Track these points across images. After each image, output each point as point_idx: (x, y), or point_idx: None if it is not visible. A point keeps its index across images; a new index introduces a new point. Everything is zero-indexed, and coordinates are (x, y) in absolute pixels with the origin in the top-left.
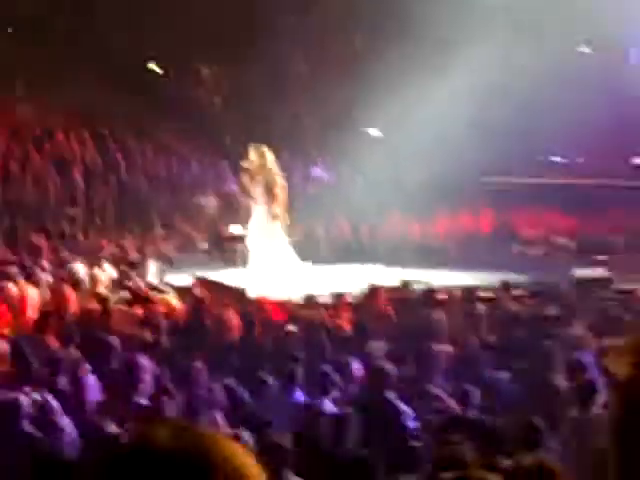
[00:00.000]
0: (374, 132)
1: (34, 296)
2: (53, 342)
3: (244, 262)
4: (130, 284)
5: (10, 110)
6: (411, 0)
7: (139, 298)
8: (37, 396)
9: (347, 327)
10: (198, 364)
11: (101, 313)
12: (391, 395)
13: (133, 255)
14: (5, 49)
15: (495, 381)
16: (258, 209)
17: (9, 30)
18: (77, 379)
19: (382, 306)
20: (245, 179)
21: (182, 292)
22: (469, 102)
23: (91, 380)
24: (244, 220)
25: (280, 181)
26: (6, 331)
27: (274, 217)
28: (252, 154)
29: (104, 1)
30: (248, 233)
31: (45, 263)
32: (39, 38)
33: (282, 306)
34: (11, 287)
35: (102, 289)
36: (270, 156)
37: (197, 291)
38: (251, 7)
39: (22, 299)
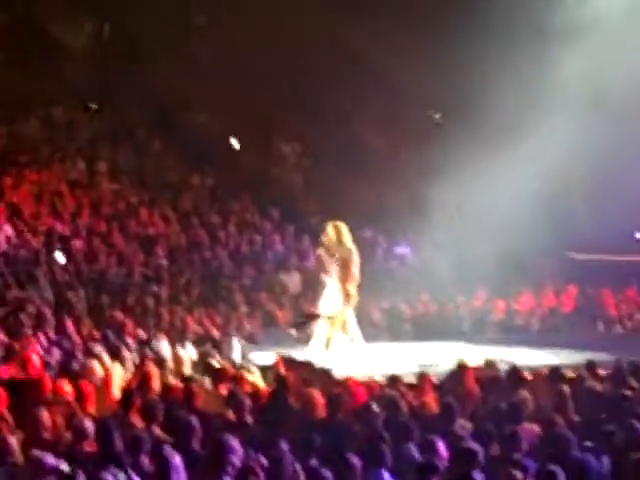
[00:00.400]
0: (455, 209)
1: (119, 374)
2: (137, 421)
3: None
4: (214, 363)
5: (94, 186)
6: None
7: (224, 377)
8: (122, 476)
9: (432, 406)
10: (283, 445)
11: (184, 392)
12: (478, 476)
13: (217, 333)
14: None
15: (582, 461)
16: (331, 286)
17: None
18: (162, 459)
19: (469, 385)
20: (322, 254)
21: (266, 371)
22: (554, 174)
23: (177, 460)
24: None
25: (355, 259)
26: (92, 410)
27: (347, 296)
28: (330, 229)
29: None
30: (322, 310)
31: (130, 341)
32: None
33: (366, 386)
34: (96, 365)
35: (185, 368)
36: (346, 232)
37: (281, 370)
38: (332, 85)
39: (107, 377)
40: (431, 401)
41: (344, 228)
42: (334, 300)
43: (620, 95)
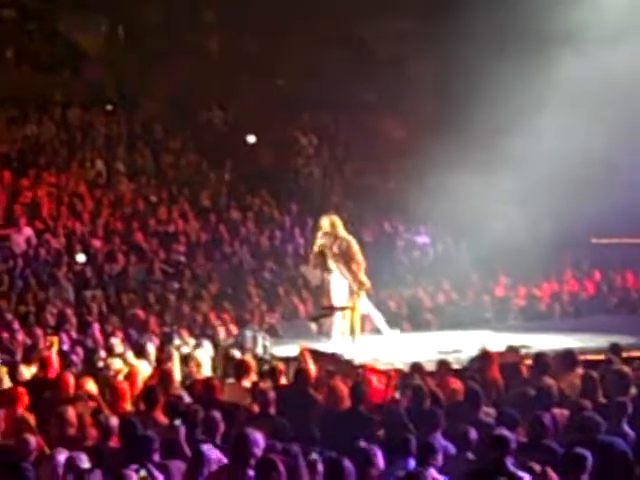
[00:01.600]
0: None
1: (145, 372)
2: (161, 418)
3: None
4: (237, 356)
5: (112, 186)
6: None
7: (246, 370)
8: (144, 472)
9: (457, 394)
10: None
11: (206, 386)
12: (510, 463)
13: (238, 328)
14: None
15: (610, 444)
16: (336, 279)
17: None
18: (197, 452)
19: (492, 372)
20: (318, 252)
21: (288, 363)
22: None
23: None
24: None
25: (355, 246)
26: (124, 407)
27: (361, 285)
28: (324, 223)
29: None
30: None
31: (153, 337)
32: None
33: (388, 374)
34: (119, 363)
35: (208, 362)
36: (340, 223)
37: (303, 362)
38: (348, 77)
39: (131, 375)
40: (452, 388)
41: (337, 220)
42: (344, 291)
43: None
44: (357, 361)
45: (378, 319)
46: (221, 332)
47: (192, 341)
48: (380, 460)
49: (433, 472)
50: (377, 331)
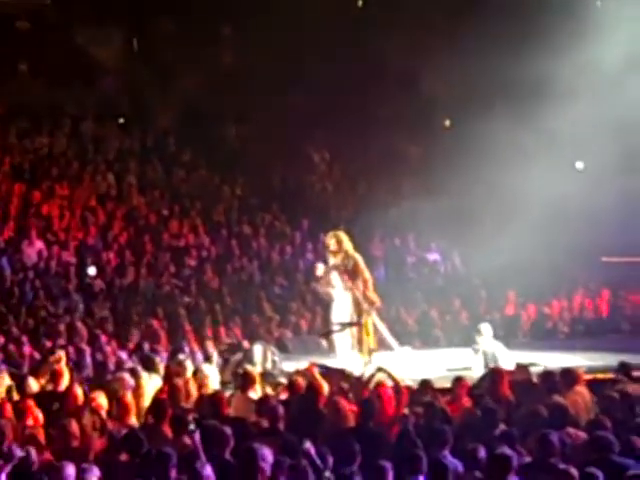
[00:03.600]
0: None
1: (155, 385)
2: (168, 431)
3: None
4: (246, 371)
5: (124, 199)
6: None
7: (250, 381)
8: None
9: (467, 411)
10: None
11: (214, 401)
12: None
13: (248, 343)
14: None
15: (622, 465)
16: (339, 296)
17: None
18: (194, 470)
19: (503, 390)
20: (325, 268)
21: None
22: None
23: (208, 471)
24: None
25: (362, 264)
26: (130, 421)
27: (371, 303)
28: (330, 240)
29: None
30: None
31: (163, 351)
32: None
33: (398, 392)
34: (129, 377)
35: (215, 376)
36: (347, 240)
37: (312, 377)
38: (361, 94)
39: (140, 388)
40: (465, 406)
41: (344, 236)
42: (347, 307)
43: None
44: (367, 378)
45: (388, 336)
46: (231, 346)
47: (201, 355)
48: (392, 477)
49: None
50: (388, 348)
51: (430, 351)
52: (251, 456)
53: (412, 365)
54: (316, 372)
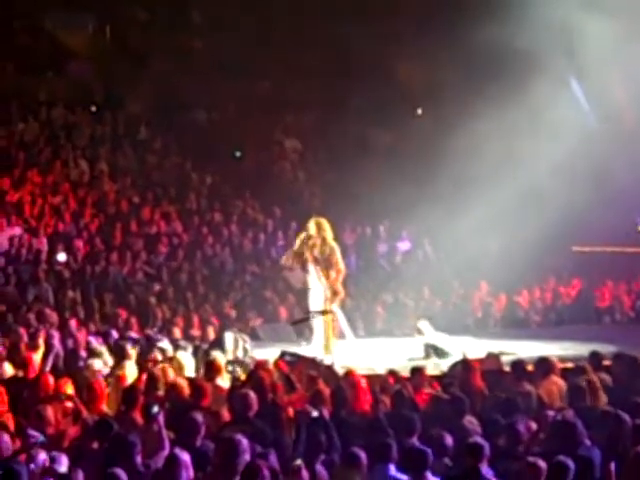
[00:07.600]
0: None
1: (129, 373)
2: (139, 418)
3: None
4: (211, 360)
5: (96, 186)
6: None
7: (216, 370)
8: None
9: (437, 399)
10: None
11: (190, 390)
12: (485, 470)
13: (219, 330)
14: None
15: (590, 455)
16: (314, 282)
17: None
18: (172, 457)
19: (475, 380)
20: (297, 251)
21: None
22: (562, 170)
23: (186, 458)
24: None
25: (338, 255)
26: (100, 408)
27: (335, 293)
28: (311, 226)
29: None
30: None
31: (133, 338)
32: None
33: (369, 380)
34: (99, 364)
35: (190, 364)
36: (328, 228)
37: (283, 366)
38: (333, 82)
39: (116, 376)
40: (427, 395)
41: (326, 224)
42: (320, 296)
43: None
44: (338, 366)
45: (345, 325)
46: (202, 335)
47: (173, 343)
48: (365, 465)
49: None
50: (346, 339)
51: (401, 340)
52: (231, 448)
53: (380, 354)
54: (283, 361)
